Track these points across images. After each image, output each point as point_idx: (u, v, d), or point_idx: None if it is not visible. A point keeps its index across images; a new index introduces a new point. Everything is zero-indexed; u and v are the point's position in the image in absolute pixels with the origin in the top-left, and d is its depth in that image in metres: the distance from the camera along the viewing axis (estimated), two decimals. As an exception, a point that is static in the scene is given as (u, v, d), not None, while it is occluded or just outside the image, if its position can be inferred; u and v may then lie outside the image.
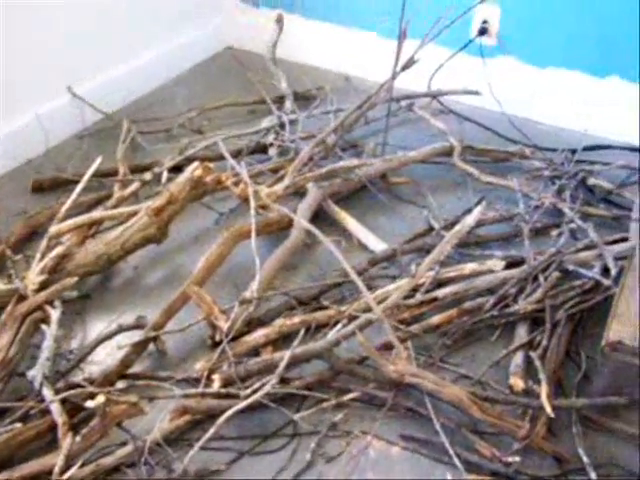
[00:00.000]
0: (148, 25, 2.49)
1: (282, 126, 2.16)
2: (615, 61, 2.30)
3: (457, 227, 1.34)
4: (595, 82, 2.35)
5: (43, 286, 1.52)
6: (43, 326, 1.45)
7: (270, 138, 2.10)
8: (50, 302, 1.50)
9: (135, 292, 1.69)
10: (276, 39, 2.48)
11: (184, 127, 2.28)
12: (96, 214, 1.75)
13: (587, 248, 1.72)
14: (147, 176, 1.91)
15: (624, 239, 1.79)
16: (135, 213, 1.69)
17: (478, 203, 1.83)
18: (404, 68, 2.00)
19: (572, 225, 1.81)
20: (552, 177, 2.06)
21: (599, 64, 2.32)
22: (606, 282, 1.59)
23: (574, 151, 2.18)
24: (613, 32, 2.26)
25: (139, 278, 1.74)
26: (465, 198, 1.98)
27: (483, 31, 2.41)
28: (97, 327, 1.58)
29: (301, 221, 1.62)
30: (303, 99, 2.44)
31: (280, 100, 2.39)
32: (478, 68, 2.43)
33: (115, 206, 1.81)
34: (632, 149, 2.26)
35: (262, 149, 2.10)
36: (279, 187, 1.76)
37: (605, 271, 1.64)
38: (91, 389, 1.32)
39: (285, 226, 1.76)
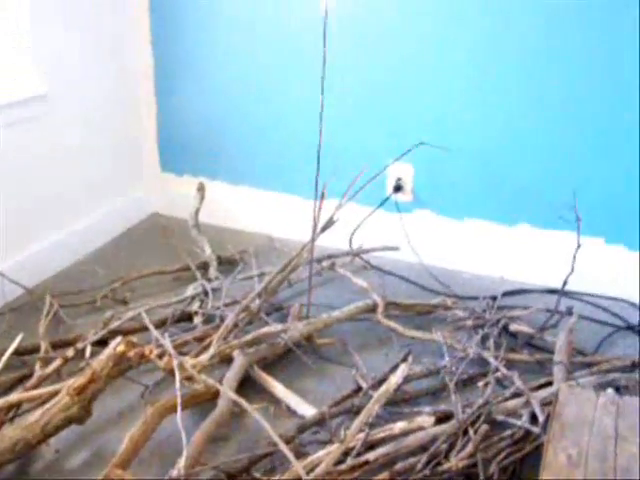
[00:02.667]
0: (71, 197, 2.53)
1: (206, 293, 2.17)
2: (523, 210, 2.43)
3: (384, 386, 1.35)
4: (507, 230, 2.46)
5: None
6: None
7: (195, 306, 2.11)
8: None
9: (57, 478, 1.61)
10: (198, 207, 2.54)
11: (108, 298, 2.27)
12: (14, 397, 1.69)
13: (514, 396, 1.74)
14: (69, 352, 1.88)
15: (549, 383, 1.83)
16: (56, 393, 1.64)
17: (404, 359, 1.85)
18: (324, 229, 2.06)
19: (498, 374, 1.83)
20: (475, 326, 2.11)
21: (509, 213, 2.45)
22: (535, 430, 1.60)
23: (494, 298, 2.25)
24: (520, 183, 2.40)
25: (61, 462, 1.66)
26: (391, 354, 2.00)
27: (398, 188, 2.52)
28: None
29: (227, 392, 1.60)
30: (228, 263, 2.48)
31: (205, 266, 2.43)
32: (396, 223, 2.53)
33: (36, 386, 1.76)
34: (549, 292, 2.35)
35: (187, 317, 2.10)
36: (204, 357, 1.75)
37: (534, 418, 1.66)
38: None
39: (212, 397, 1.73)
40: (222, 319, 1.98)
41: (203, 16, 2.61)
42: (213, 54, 2.66)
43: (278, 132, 2.66)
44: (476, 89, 2.36)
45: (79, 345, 1.91)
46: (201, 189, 2.52)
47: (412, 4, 2.33)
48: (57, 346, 1.96)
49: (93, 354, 1.86)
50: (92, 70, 2.54)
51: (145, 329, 1.90)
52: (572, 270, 2.03)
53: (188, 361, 1.71)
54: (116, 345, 1.67)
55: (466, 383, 1.86)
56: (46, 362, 1.87)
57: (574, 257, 2.04)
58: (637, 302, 2.33)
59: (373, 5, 2.38)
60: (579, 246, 2.05)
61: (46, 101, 2.33)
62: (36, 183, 2.35)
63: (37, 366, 1.86)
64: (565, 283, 2.07)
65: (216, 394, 1.72)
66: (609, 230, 2.35)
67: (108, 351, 1.67)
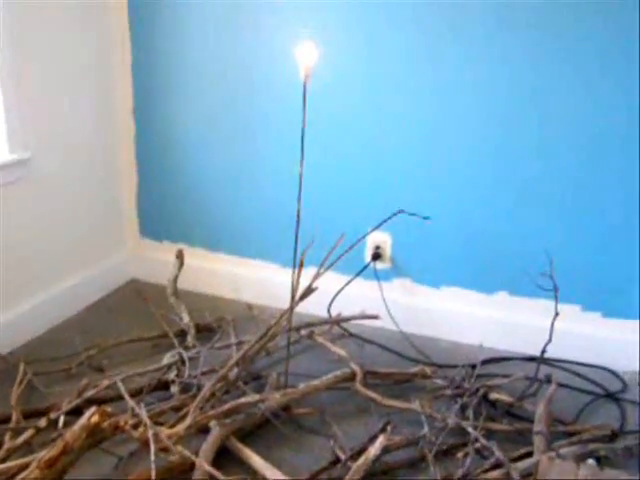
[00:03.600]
0: (48, 262, 2.51)
1: (184, 362, 2.15)
2: (501, 278, 2.45)
3: (362, 458, 1.33)
4: (485, 298, 2.48)
5: None
6: None
7: (172, 375, 2.08)
8: None
9: None
10: (177, 274, 2.54)
11: (84, 366, 2.24)
12: (-20, 471, 1.64)
13: (494, 467, 1.73)
14: (42, 423, 1.84)
15: (529, 453, 1.81)
16: (26, 466, 1.60)
17: (383, 429, 1.83)
18: (303, 297, 2.06)
19: (477, 444, 1.82)
20: (454, 395, 2.09)
21: (487, 281, 2.47)
22: (516, 503, 1.58)
23: (474, 366, 2.25)
24: (497, 252, 2.43)
25: (30, 538, 1.61)
26: (370, 424, 1.97)
27: (377, 256, 2.54)
28: None
29: (203, 464, 1.57)
30: (206, 331, 2.47)
31: (183, 334, 2.41)
32: (375, 291, 2.54)
33: (4, 459, 1.71)
34: (529, 359, 2.35)
35: (164, 386, 2.07)
36: (180, 427, 1.72)
37: (514, 490, 1.64)
38: None
39: (188, 468, 1.70)
40: (199, 388, 1.95)
41: (184, 86, 2.66)
42: (194, 123, 2.69)
43: (257, 200, 2.68)
44: (453, 160, 2.40)
45: (52, 415, 1.88)
46: (180, 256, 2.52)
47: (391, 75, 2.39)
48: (29, 416, 1.92)
49: (66, 424, 1.82)
50: (74, 136, 2.56)
51: (121, 398, 1.87)
52: (550, 339, 2.05)
53: (164, 432, 1.68)
54: (90, 415, 1.64)
55: (446, 453, 1.84)
56: (17, 433, 1.82)
57: (552, 325, 2.05)
58: (615, 369, 2.34)
59: (353, 75, 2.43)
60: (557, 314, 2.06)
61: (28, 165, 2.34)
62: (13, 248, 2.33)
63: (7, 437, 1.81)
64: (544, 351, 2.07)
65: (192, 466, 1.68)
66: (585, 298, 2.37)
67: (82, 422, 1.64)
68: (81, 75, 2.56)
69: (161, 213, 2.86)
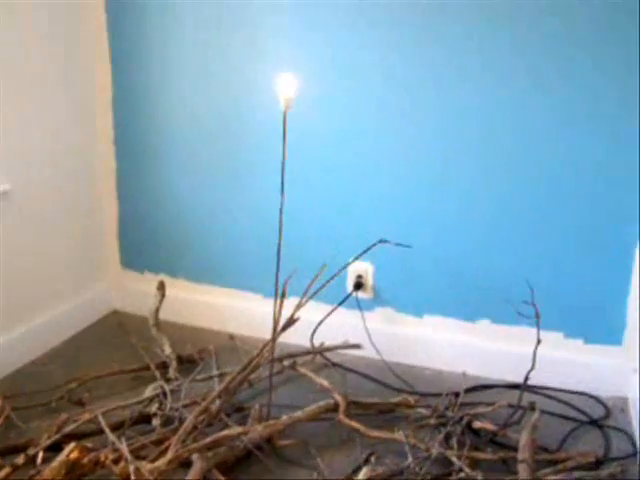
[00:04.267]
0: (29, 293, 2.49)
1: (165, 394, 2.13)
2: (483, 306, 2.45)
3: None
4: (468, 326, 2.48)
5: None
6: None
7: (153, 408, 2.06)
8: None
9: None
10: (158, 305, 2.52)
11: (64, 399, 2.20)
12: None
13: (480, 497, 1.72)
14: (19, 460, 1.80)
15: (514, 484, 1.80)
16: (5, 504, 1.58)
17: (367, 460, 1.82)
18: (285, 328, 2.06)
19: (462, 474, 1.81)
20: (438, 424, 2.08)
21: (469, 310, 2.47)
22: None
23: (457, 394, 2.24)
24: (479, 280, 2.43)
25: None
26: (354, 455, 1.96)
27: (359, 285, 2.54)
28: None
29: (185, 498, 1.55)
30: (188, 362, 2.45)
31: (164, 366, 2.39)
32: (357, 321, 2.54)
33: (-19, 498, 1.69)
34: (512, 387, 2.35)
35: (146, 419, 2.05)
36: (162, 462, 1.70)
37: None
38: None
39: (169, 503, 1.68)
40: (181, 421, 1.93)
41: (166, 118, 2.67)
42: (175, 154, 2.70)
43: (239, 230, 2.68)
44: (434, 189, 2.41)
45: (30, 451, 1.85)
46: (161, 288, 2.51)
47: (371, 105, 2.41)
48: (7, 452, 1.88)
49: (45, 460, 1.78)
50: (55, 168, 2.56)
51: (102, 432, 1.85)
52: (533, 366, 2.05)
53: (145, 466, 1.66)
54: (69, 451, 1.62)
55: (431, 484, 1.83)
56: (-6, 471, 1.80)
57: (534, 353, 2.06)
58: (599, 395, 2.34)
59: (333, 105, 2.45)
60: (539, 342, 2.07)
61: (9, 197, 2.33)
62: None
63: (-18, 477, 1.78)
64: (527, 379, 2.07)
65: (174, 501, 1.67)
66: (567, 324, 2.38)
67: (61, 458, 1.62)
68: (62, 106, 2.56)
69: (143, 244, 2.85)
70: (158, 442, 1.88)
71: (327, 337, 2.50)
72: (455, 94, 2.31)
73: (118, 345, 2.61)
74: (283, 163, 1.84)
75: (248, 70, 2.51)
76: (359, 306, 2.54)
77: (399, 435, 1.96)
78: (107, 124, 2.75)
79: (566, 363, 2.39)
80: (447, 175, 2.39)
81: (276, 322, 2.00)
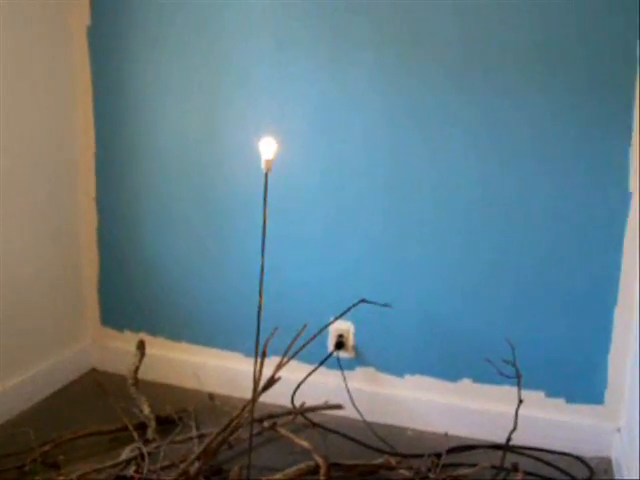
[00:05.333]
0: (4, 352, 2.44)
1: (143, 456, 2.09)
2: (465, 365, 2.45)
3: None
4: (449, 386, 2.47)
5: None
6: None
7: (131, 470, 2.02)
8: None
9: None
10: (137, 365, 2.49)
11: (38, 462, 2.15)
12: None
13: None
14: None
15: None
16: None
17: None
18: (265, 388, 2.05)
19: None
20: (420, 486, 2.07)
21: (451, 369, 2.46)
22: None
23: (439, 455, 2.22)
24: (460, 339, 2.43)
25: None
26: (335, 519, 1.94)
27: (340, 345, 2.53)
28: None
29: None
30: (167, 423, 2.41)
31: (143, 426, 2.35)
32: (338, 380, 2.52)
33: None
34: (495, 447, 2.33)
35: (123, 482, 2.02)
36: (138, 528, 1.66)
37: None
38: None
39: None
40: (159, 484, 1.90)
41: (148, 175, 2.68)
42: (157, 213, 2.71)
43: (220, 289, 2.67)
44: (414, 248, 2.43)
45: (3, 517, 1.81)
46: (141, 347, 2.49)
47: (351, 165, 2.44)
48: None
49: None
50: (36, 224, 2.56)
51: (76, 497, 1.81)
52: (515, 426, 2.04)
53: (120, 533, 1.63)
54: (43, 517, 1.58)
55: None
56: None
57: (516, 413, 2.06)
58: (582, 455, 2.33)
59: (313, 165, 2.48)
60: (520, 402, 2.07)
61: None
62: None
63: None
64: (509, 439, 2.06)
65: None
66: (549, 384, 2.37)
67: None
68: (44, 165, 2.58)
69: (123, 302, 2.84)
70: (135, 507, 1.85)
71: (308, 397, 2.48)
72: (440, 154, 2.34)
73: (96, 405, 2.56)
74: (264, 223, 1.85)
75: (229, 131, 2.54)
76: (340, 366, 2.52)
77: (380, 499, 1.94)
78: (89, 182, 2.76)
79: (548, 423, 2.37)
80: (429, 235, 2.40)
81: (256, 382, 1.98)
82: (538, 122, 2.23)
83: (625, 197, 2.19)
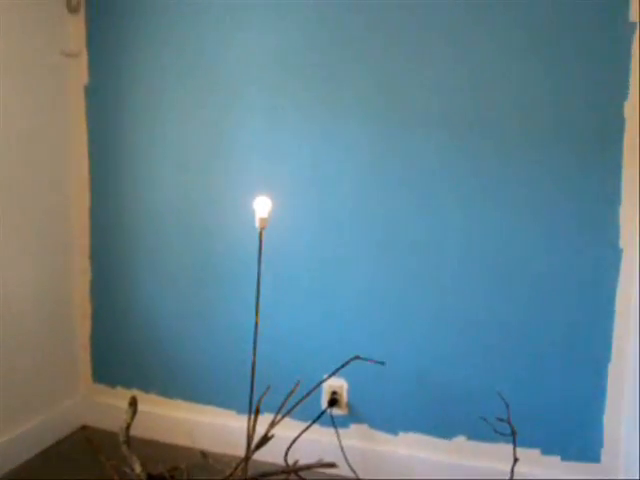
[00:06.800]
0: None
1: (133, 518, 2.06)
2: (459, 423, 2.43)
3: None
4: (444, 443, 2.45)
5: None
6: None
7: (121, 531, 1.99)
8: None
9: None
10: (130, 422, 2.46)
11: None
12: None
13: None
14: None
15: None
16: None
17: None
18: (258, 446, 2.03)
19: None
20: None
21: (445, 426, 2.45)
22: None
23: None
24: (455, 396, 2.42)
25: None
26: None
27: (333, 402, 2.51)
28: None
29: None
30: (159, 481, 2.38)
31: (134, 485, 2.32)
32: (332, 438, 2.50)
33: None
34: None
35: None
36: None
37: None
38: None
39: None
40: None
41: (140, 233, 2.70)
42: (150, 268, 2.72)
43: (213, 346, 2.67)
44: (408, 304, 2.43)
45: None
46: (133, 403, 2.45)
47: (342, 223, 2.46)
48: None
49: None
50: (29, 277, 2.56)
51: None
52: (510, 486, 2.03)
53: None
54: None
55: None
56: None
57: (512, 471, 2.04)
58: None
59: (306, 223, 2.50)
60: (516, 460, 2.05)
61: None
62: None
63: None
64: (505, 499, 2.05)
65: None
66: (544, 441, 2.36)
67: None
68: (36, 216, 2.59)
69: (115, 358, 2.82)
70: None
71: (301, 454, 2.44)
72: (430, 211, 2.37)
73: (86, 463, 2.53)
74: (258, 280, 1.86)
75: (223, 189, 2.57)
76: (333, 423, 2.50)
77: None
78: (83, 236, 2.78)
79: (544, 480, 2.36)
80: (422, 292, 2.41)
81: (250, 440, 1.96)
82: (530, 182, 2.26)
83: (616, 254, 2.22)
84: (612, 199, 2.19)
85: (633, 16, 2.09)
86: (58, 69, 2.62)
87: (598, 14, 2.13)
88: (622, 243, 2.20)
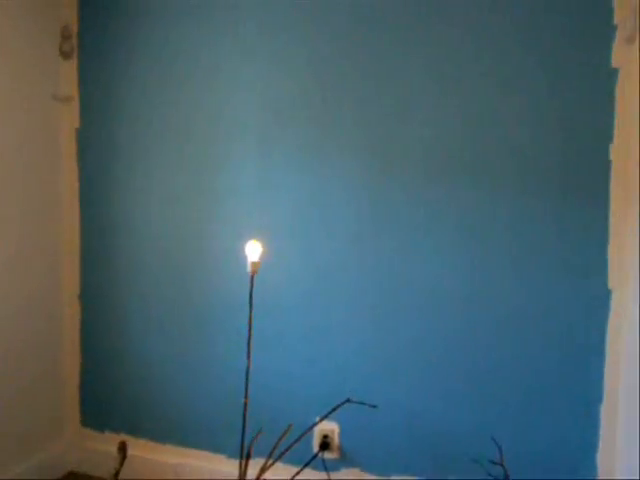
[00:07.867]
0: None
1: None
2: (451, 466, 2.40)
3: None
4: (437, 486, 2.44)
5: None
6: None
7: None
8: None
9: None
10: (119, 468, 2.42)
11: None
12: None
13: None
14: None
15: None
16: None
17: None
18: (248, 493, 2.00)
19: None
20: None
21: (437, 469, 2.42)
22: None
23: None
24: (446, 439, 2.40)
25: None
26: None
27: (325, 445, 2.49)
28: None
29: None
30: (148, 529, 2.35)
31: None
32: (324, 482, 2.48)
33: None
34: None
35: None
36: None
37: None
38: None
39: None
40: None
41: (131, 277, 2.70)
42: (140, 312, 2.71)
43: (204, 390, 2.65)
44: (399, 347, 2.42)
45: None
46: (122, 449, 2.42)
47: (332, 265, 2.46)
48: None
49: None
50: (18, 318, 2.54)
51: None
52: (504, 529, 2.00)
53: None
54: None
55: None
56: None
57: (505, 515, 2.02)
58: None
59: (297, 265, 2.50)
60: (509, 502, 2.03)
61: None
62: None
63: None
64: (498, 543, 2.02)
65: None
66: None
67: None
68: (25, 255, 2.58)
69: (104, 402, 2.79)
70: None
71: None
72: (422, 257, 2.38)
73: None
74: (250, 325, 1.86)
75: (213, 234, 2.58)
76: (325, 467, 2.48)
77: None
78: (74, 275, 2.77)
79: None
80: (414, 336, 2.41)
81: (240, 486, 1.94)
82: (518, 224, 2.28)
83: (605, 295, 2.23)
84: (600, 241, 2.21)
85: (615, 62, 2.14)
86: (50, 113, 2.64)
87: (581, 61, 2.17)
88: (611, 284, 2.21)
